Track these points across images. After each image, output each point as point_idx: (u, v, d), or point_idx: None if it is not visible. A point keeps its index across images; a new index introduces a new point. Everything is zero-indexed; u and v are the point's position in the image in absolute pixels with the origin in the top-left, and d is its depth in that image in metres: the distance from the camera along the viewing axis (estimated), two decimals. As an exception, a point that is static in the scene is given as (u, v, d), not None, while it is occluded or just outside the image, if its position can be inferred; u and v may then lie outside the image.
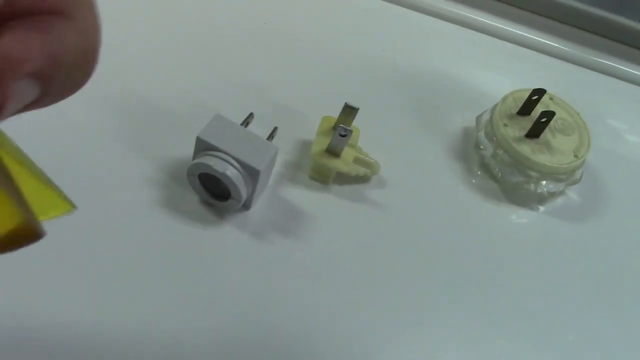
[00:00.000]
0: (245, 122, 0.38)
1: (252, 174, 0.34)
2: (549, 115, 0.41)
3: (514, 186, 0.43)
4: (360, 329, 0.35)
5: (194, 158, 0.35)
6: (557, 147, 0.42)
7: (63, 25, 0.15)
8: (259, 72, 0.46)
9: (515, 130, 0.42)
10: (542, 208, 0.43)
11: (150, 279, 0.34)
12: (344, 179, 0.40)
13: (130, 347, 0.31)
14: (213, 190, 0.36)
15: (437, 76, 0.50)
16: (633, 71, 0.57)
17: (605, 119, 0.52)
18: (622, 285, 0.41)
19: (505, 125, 0.42)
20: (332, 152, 0.39)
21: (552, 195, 0.44)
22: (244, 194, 0.35)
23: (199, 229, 0.36)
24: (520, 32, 0.56)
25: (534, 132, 0.42)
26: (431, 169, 0.44)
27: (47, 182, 0.16)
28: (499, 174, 0.43)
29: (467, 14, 0.56)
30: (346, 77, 0.48)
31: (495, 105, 0.44)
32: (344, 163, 0.39)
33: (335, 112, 0.40)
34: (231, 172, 0.34)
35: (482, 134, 0.44)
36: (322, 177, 0.40)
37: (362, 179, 0.41)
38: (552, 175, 0.42)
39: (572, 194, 0.45)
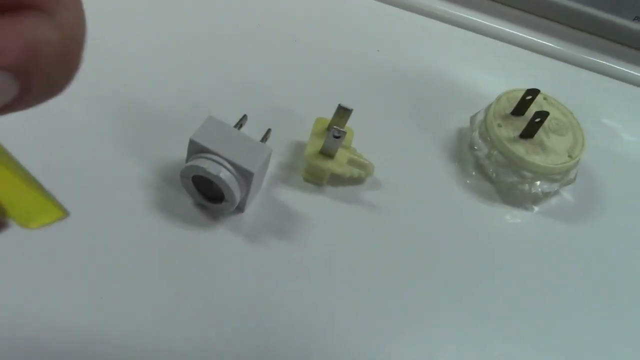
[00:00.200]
0: (239, 124, 0.38)
1: (245, 176, 0.34)
2: (542, 115, 0.41)
3: (508, 186, 0.43)
4: (357, 331, 0.35)
5: (187, 160, 0.35)
6: (551, 147, 0.42)
7: (42, 19, 0.14)
8: (252, 74, 0.46)
9: (509, 130, 0.42)
10: (536, 208, 0.43)
11: (144, 282, 0.34)
12: (338, 180, 0.40)
13: (124, 349, 0.31)
14: (207, 193, 0.36)
15: (431, 76, 0.50)
16: (627, 70, 0.57)
17: (600, 119, 0.52)
18: (617, 284, 0.41)
19: (499, 125, 0.42)
20: (326, 153, 0.39)
21: (547, 195, 0.44)
22: (237, 196, 0.35)
23: (192, 231, 0.36)
24: (514, 32, 0.56)
25: (528, 133, 0.42)
26: (426, 169, 0.44)
27: (39, 189, 0.16)
28: (494, 175, 0.43)
29: (461, 14, 0.56)
30: (340, 78, 0.48)
31: (490, 106, 0.44)
32: (338, 164, 0.39)
33: (328, 114, 0.40)
34: (224, 175, 0.34)
35: (476, 134, 0.44)
36: (316, 179, 0.40)
37: (357, 181, 0.41)
38: (547, 175, 0.42)
39: (567, 194, 0.45)
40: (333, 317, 0.35)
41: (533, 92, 0.43)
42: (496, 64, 0.55)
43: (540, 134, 0.42)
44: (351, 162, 0.40)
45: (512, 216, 0.43)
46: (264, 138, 0.38)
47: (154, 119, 0.41)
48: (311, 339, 0.34)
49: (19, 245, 0.33)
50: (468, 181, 0.44)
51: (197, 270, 0.35)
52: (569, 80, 0.55)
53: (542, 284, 0.40)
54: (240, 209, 0.37)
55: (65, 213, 0.16)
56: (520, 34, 0.56)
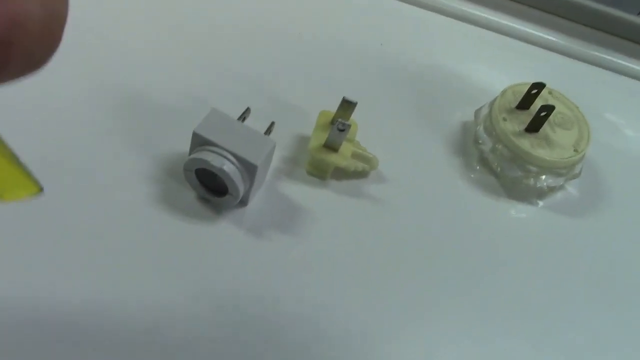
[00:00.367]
0: (242, 117, 0.38)
1: (249, 169, 0.34)
2: (548, 109, 0.41)
3: (513, 181, 0.42)
4: (359, 325, 0.34)
5: (190, 153, 0.35)
6: (557, 141, 0.42)
7: None
8: (255, 66, 0.46)
9: (514, 124, 0.42)
10: (541, 203, 0.43)
11: (146, 275, 0.33)
12: (342, 174, 0.40)
13: (126, 344, 0.31)
14: (210, 186, 0.36)
15: (436, 70, 0.50)
16: (632, 65, 0.56)
17: (604, 113, 0.52)
18: (622, 279, 0.41)
19: (504, 119, 0.42)
20: (330, 147, 0.39)
21: (552, 189, 0.44)
22: (241, 189, 0.34)
23: (195, 225, 0.36)
24: (519, 27, 0.56)
25: (534, 127, 0.42)
26: (430, 163, 0.43)
27: (15, 163, 0.16)
28: (498, 169, 0.43)
29: (465, 9, 0.56)
30: (344, 71, 0.48)
31: (494, 100, 0.44)
32: (342, 158, 0.39)
33: (332, 107, 0.40)
34: (228, 168, 0.33)
35: (481, 128, 0.44)
36: (320, 172, 0.40)
37: (361, 174, 0.41)
38: (552, 169, 0.41)
39: (572, 188, 0.45)
40: (335, 311, 0.35)
41: (539, 86, 0.43)
42: (500, 59, 0.54)
43: (546, 128, 0.42)
44: (355, 155, 0.40)
45: (517, 211, 0.42)
46: (268, 131, 0.38)
47: (157, 111, 0.41)
48: (313, 333, 0.33)
49: (18, 243, 0.33)
50: (472, 175, 0.43)
51: (200, 264, 0.34)
52: (573, 74, 0.55)
53: (546, 279, 0.39)
54: (243, 202, 0.37)
55: (39, 189, 0.16)
56: (525, 29, 0.56)
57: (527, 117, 0.42)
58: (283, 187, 0.39)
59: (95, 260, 0.33)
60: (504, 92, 0.44)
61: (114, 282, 0.33)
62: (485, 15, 0.56)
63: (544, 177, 0.42)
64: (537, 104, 0.43)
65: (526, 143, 0.41)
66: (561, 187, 0.44)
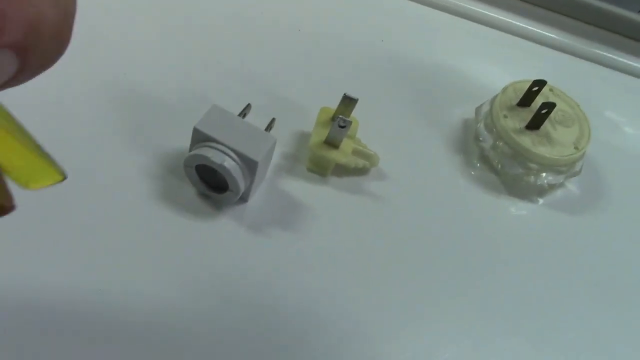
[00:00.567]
0: (243, 113, 0.38)
1: (250, 166, 0.34)
2: (549, 106, 0.41)
3: (513, 178, 0.42)
4: (359, 322, 0.34)
5: (190, 149, 0.35)
6: (558, 138, 0.42)
7: None
8: (256, 62, 0.46)
9: (515, 121, 0.42)
10: (541, 200, 0.43)
11: (146, 271, 0.33)
12: (342, 170, 0.40)
13: (127, 338, 0.31)
14: (210, 182, 0.36)
15: (436, 67, 0.50)
16: (632, 63, 0.56)
17: (605, 111, 0.51)
18: (623, 277, 0.41)
19: (505, 116, 0.42)
20: (331, 143, 0.38)
21: (552, 187, 0.43)
22: (241, 185, 0.34)
23: (195, 221, 0.36)
24: (520, 24, 0.56)
25: (534, 124, 0.42)
26: (430, 160, 0.43)
27: (39, 151, 0.16)
28: (499, 166, 0.43)
29: (466, 5, 0.56)
30: (344, 68, 0.48)
31: (495, 97, 0.44)
32: (343, 155, 0.39)
33: (333, 103, 0.40)
34: (229, 164, 0.33)
35: (481, 125, 0.43)
36: (321, 169, 0.39)
37: (361, 171, 0.41)
38: (553, 167, 0.41)
39: (572, 186, 0.45)
40: (335, 308, 0.35)
41: (540, 83, 0.43)
42: (501, 56, 0.54)
43: (547, 125, 0.42)
44: (356, 152, 0.40)
45: (517, 208, 0.42)
46: (269, 127, 0.38)
47: (157, 107, 0.40)
48: (312, 330, 0.33)
49: (18, 238, 0.33)
50: (473, 172, 0.43)
51: (200, 261, 0.34)
52: (574, 72, 0.55)
53: (546, 277, 0.39)
54: (244, 199, 0.37)
55: (63, 176, 0.17)
56: (526, 26, 0.56)
57: (528, 114, 0.42)
58: (283, 183, 0.39)
59: (95, 256, 0.33)
60: (504, 89, 0.44)
61: (114, 278, 0.33)
62: (487, 13, 0.56)
63: (544, 174, 0.42)
64: (538, 101, 0.43)
65: (527, 140, 0.41)
66: (561, 185, 0.44)
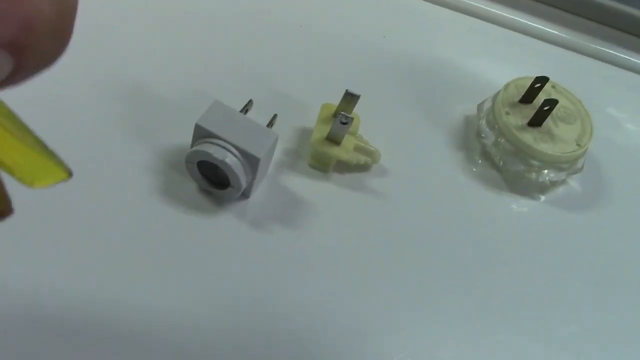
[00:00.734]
0: (245, 109, 0.38)
1: (251, 162, 0.34)
2: (551, 103, 0.41)
3: (515, 175, 0.42)
4: (360, 319, 0.34)
5: (192, 145, 0.35)
6: (560, 135, 0.42)
7: None
8: (258, 58, 0.46)
9: (517, 118, 0.42)
10: (543, 197, 0.43)
11: (147, 268, 0.33)
12: (344, 167, 0.40)
13: (127, 336, 0.31)
14: (212, 178, 0.36)
15: (439, 63, 0.50)
16: (635, 59, 0.56)
17: (607, 108, 0.51)
18: (624, 274, 0.41)
19: (507, 113, 0.42)
20: (333, 140, 0.38)
21: (554, 184, 0.43)
22: (243, 182, 0.34)
23: (197, 217, 0.36)
24: (522, 20, 0.56)
25: (537, 121, 0.42)
26: (432, 157, 0.43)
27: (44, 149, 0.16)
28: (501, 163, 0.42)
29: (469, 2, 0.55)
30: (346, 64, 0.47)
31: (497, 93, 0.44)
32: (345, 151, 0.39)
33: (335, 100, 0.39)
34: (230, 160, 0.33)
35: (483, 122, 0.43)
36: (322, 165, 0.39)
37: (363, 168, 0.41)
38: (554, 164, 0.41)
39: (574, 183, 0.44)
40: (336, 304, 0.35)
41: (542, 80, 0.43)
42: (503, 52, 0.54)
43: (549, 122, 0.42)
44: (357, 148, 0.40)
45: (519, 205, 0.42)
46: (270, 123, 0.38)
47: (159, 103, 0.40)
48: (314, 326, 0.33)
49: (18, 236, 0.33)
50: (474, 169, 0.43)
51: (202, 257, 0.34)
52: (576, 69, 0.54)
53: (547, 274, 0.39)
54: (245, 195, 0.37)
55: (68, 174, 0.17)
56: (529, 22, 0.56)
57: (530, 111, 0.42)
58: (285, 179, 0.39)
59: (96, 253, 0.33)
60: (507, 86, 0.44)
61: (115, 275, 0.33)
62: (489, 9, 0.56)
63: (546, 171, 0.41)
64: (540, 98, 0.42)
65: (529, 137, 0.41)
66: (563, 182, 0.44)
